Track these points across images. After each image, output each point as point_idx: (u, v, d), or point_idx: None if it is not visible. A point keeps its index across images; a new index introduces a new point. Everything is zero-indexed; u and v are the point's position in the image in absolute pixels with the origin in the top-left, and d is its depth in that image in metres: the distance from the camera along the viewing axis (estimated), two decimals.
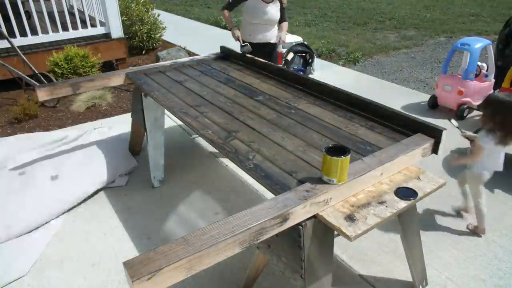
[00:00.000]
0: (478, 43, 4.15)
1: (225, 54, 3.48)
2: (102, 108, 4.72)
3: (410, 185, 1.72)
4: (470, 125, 4.15)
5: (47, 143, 3.77)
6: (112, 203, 3.00)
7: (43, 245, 2.58)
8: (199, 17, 10.76)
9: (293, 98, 2.54)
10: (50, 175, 3.02)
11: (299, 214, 1.45)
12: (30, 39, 5.21)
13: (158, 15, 7.31)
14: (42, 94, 2.69)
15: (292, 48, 5.43)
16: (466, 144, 3.72)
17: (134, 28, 6.85)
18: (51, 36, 5.38)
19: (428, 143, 1.87)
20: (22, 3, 5.13)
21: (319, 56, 6.79)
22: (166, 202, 3.00)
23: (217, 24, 9.72)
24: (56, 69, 4.85)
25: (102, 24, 5.83)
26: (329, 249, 1.64)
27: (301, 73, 5.22)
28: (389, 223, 2.69)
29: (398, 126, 2.06)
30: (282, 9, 3.68)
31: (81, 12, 6.38)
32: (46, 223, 2.75)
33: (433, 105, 4.52)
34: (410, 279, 2.27)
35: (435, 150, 1.92)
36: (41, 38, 5.29)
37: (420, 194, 1.67)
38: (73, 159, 3.31)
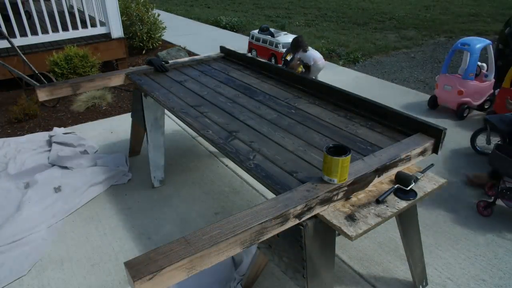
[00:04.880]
0: (478, 43, 4.16)
1: (225, 54, 3.48)
2: (102, 108, 4.72)
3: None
4: (470, 125, 4.15)
5: (47, 143, 3.77)
6: (112, 203, 3.00)
7: (44, 246, 2.58)
8: (199, 17, 10.76)
9: (293, 98, 2.54)
10: (53, 187, 3.03)
11: (300, 214, 1.45)
12: (30, 39, 5.21)
13: (158, 15, 7.32)
14: (42, 94, 2.69)
15: None
16: (466, 144, 3.73)
17: (134, 28, 6.85)
18: (51, 36, 5.38)
19: (429, 143, 1.87)
20: (22, 3, 5.13)
21: None
22: (166, 202, 3.00)
23: (217, 24, 9.73)
24: (56, 69, 4.85)
25: (102, 24, 5.84)
26: (330, 249, 1.65)
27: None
28: (389, 223, 2.69)
29: (398, 125, 2.06)
30: None
31: (81, 12, 6.39)
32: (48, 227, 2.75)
33: (433, 105, 4.53)
34: (410, 279, 2.28)
35: (435, 149, 1.92)
36: (41, 38, 5.30)
37: (420, 194, 1.67)
38: (75, 166, 3.32)
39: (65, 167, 3.33)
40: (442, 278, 2.29)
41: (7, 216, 2.79)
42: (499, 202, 2.81)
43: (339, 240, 2.54)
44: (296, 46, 4.57)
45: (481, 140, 3.63)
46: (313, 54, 4.58)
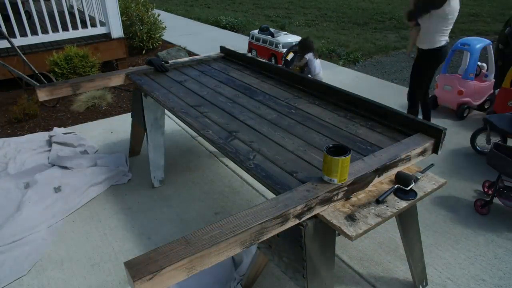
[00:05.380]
0: (478, 43, 4.16)
1: (225, 54, 3.48)
2: (102, 108, 4.72)
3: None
4: (470, 125, 4.15)
5: (47, 143, 3.77)
6: (112, 203, 3.00)
7: (44, 246, 2.58)
8: (199, 17, 10.76)
9: (293, 98, 2.54)
10: (53, 187, 3.02)
11: (300, 214, 1.45)
12: (30, 39, 5.21)
13: (158, 15, 7.32)
14: (42, 94, 2.69)
15: (292, 48, 5.43)
16: (466, 144, 3.73)
17: (134, 28, 6.85)
18: (51, 36, 5.38)
19: (429, 143, 1.87)
20: (22, 3, 5.13)
21: (319, 56, 6.79)
22: (166, 202, 3.00)
23: (217, 24, 9.73)
24: (56, 69, 4.85)
25: (102, 24, 5.84)
26: (330, 249, 1.65)
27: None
28: (389, 223, 2.69)
29: (399, 126, 2.06)
30: None
31: (81, 12, 6.39)
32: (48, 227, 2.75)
33: (433, 105, 4.52)
34: (410, 279, 2.28)
35: (435, 150, 1.92)
36: (41, 38, 5.30)
37: (420, 194, 1.67)
38: (75, 166, 3.32)
39: (65, 167, 3.33)
40: (442, 278, 2.29)
41: (7, 216, 2.79)
42: (497, 200, 2.81)
43: (339, 240, 2.54)
44: (308, 47, 4.54)
45: (481, 140, 3.63)
46: (319, 65, 4.59)
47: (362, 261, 2.41)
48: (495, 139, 3.47)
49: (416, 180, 1.72)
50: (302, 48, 4.58)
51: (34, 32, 5.25)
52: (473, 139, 3.62)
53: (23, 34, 5.16)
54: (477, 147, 3.59)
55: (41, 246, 2.56)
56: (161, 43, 7.41)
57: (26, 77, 4.40)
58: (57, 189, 3.02)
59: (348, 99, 2.35)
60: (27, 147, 3.69)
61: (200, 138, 3.94)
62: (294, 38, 5.96)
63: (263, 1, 13.65)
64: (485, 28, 8.83)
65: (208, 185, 3.20)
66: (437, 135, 1.88)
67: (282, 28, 8.98)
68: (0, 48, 4.98)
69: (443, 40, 3.33)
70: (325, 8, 12.02)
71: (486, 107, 4.44)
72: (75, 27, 5.56)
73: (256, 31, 6.44)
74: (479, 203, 2.80)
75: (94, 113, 4.59)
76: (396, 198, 1.65)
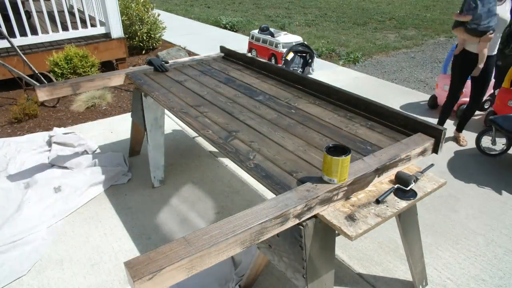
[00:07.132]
0: None
1: (225, 54, 3.48)
2: (102, 108, 4.72)
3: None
4: (469, 125, 4.15)
5: (47, 143, 3.78)
6: (112, 203, 3.00)
7: (44, 246, 2.58)
8: (199, 17, 10.76)
9: (293, 98, 2.54)
10: (53, 187, 3.02)
11: (300, 213, 1.45)
12: (30, 39, 5.21)
13: (158, 15, 7.32)
14: (42, 94, 2.69)
15: (292, 48, 5.44)
16: (466, 143, 3.73)
17: (134, 28, 6.85)
18: (51, 36, 5.38)
19: (428, 143, 1.87)
20: (22, 3, 5.13)
21: (319, 56, 6.80)
22: (166, 202, 3.00)
23: (217, 24, 9.73)
24: (56, 69, 4.86)
25: (102, 24, 5.84)
26: (330, 249, 1.65)
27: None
28: (389, 223, 2.69)
29: (398, 126, 2.06)
30: None
31: (81, 12, 6.39)
32: (48, 227, 2.75)
33: (433, 105, 4.52)
34: (410, 279, 2.28)
35: (435, 149, 1.92)
36: (41, 38, 5.30)
37: (420, 194, 1.67)
38: (74, 166, 3.32)
39: (65, 167, 3.33)
40: (442, 278, 2.29)
41: (7, 216, 2.79)
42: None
43: (339, 240, 2.54)
44: None
45: (486, 141, 3.63)
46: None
47: (362, 261, 2.41)
48: (500, 140, 3.48)
49: (416, 180, 1.72)
50: None
51: (34, 32, 5.25)
52: (478, 141, 3.61)
53: (23, 34, 5.16)
54: (482, 148, 3.59)
55: (41, 246, 2.56)
56: (161, 43, 7.41)
57: (26, 77, 4.40)
58: (57, 189, 3.02)
59: (348, 99, 2.34)
60: (27, 147, 3.69)
61: (200, 138, 3.94)
62: (294, 38, 5.97)
63: (263, 1, 13.66)
64: None
65: (208, 185, 3.20)
66: (437, 135, 1.88)
67: (282, 28, 8.99)
68: (0, 48, 4.99)
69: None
70: (325, 8, 12.02)
71: (486, 107, 4.44)
72: (75, 27, 5.57)
73: (256, 31, 6.45)
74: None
75: (94, 113, 4.59)
76: (396, 198, 1.65)
